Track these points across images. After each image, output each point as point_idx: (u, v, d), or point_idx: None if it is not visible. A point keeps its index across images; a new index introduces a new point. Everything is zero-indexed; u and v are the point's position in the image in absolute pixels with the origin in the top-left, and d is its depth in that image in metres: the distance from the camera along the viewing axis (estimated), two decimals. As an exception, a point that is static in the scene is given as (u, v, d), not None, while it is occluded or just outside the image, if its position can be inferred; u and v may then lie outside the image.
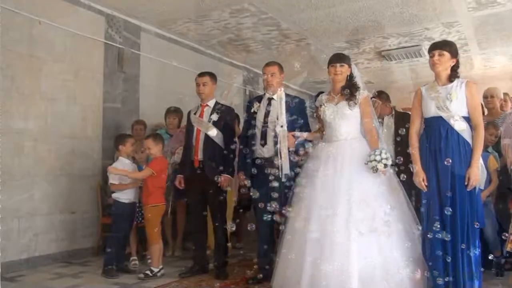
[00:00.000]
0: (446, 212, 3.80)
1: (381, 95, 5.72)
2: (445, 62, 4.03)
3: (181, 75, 7.85)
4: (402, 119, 5.49)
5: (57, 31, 5.99)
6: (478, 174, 3.87)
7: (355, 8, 6.78)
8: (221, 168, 4.97)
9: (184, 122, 6.09)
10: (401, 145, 4.76)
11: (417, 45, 8.56)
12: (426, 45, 8.01)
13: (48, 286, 4.84)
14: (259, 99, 5.03)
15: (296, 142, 4.28)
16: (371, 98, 5.69)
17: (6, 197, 5.12)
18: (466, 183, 3.85)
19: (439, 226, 3.82)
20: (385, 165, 3.87)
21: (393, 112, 5.69)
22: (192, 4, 6.50)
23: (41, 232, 5.75)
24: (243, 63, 9.82)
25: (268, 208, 4.12)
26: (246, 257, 5.98)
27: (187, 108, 5.75)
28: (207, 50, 8.68)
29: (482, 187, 4.19)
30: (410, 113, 6.06)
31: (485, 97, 6.06)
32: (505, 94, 6.88)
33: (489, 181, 4.92)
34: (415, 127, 4.20)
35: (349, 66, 4.34)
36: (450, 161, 3.86)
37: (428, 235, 3.83)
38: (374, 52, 9.17)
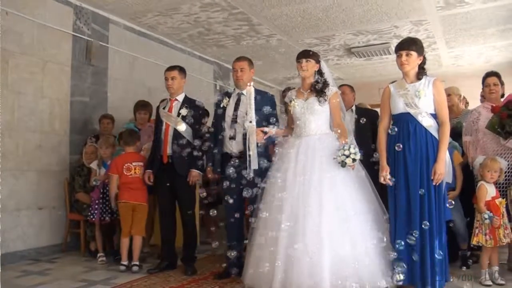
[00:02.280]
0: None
1: (349, 89, 5.77)
2: (413, 61, 4.11)
3: (151, 68, 7.81)
4: (363, 115, 5.43)
5: (24, 22, 5.89)
6: (443, 168, 3.96)
7: (325, 4, 6.83)
8: (190, 163, 4.95)
9: (153, 117, 6.03)
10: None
11: (386, 43, 8.69)
12: (395, 43, 8.08)
13: (15, 284, 4.75)
14: (229, 94, 5.00)
15: (264, 138, 4.28)
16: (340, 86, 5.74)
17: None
18: (432, 178, 3.94)
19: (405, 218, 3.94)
20: (354, 160, 3.94)
21: (354, 108, 5.72)
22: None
23: (8, 229, 5.63)
24: (213, 58, 9.79)
25: (237, 202, 4.13)
26: (216, 253, 5.97)
27: (157, 102, 5.71)
28: (177, 44, 8.63)
29: (449, 181, 4.27)
30: (371, 109, 6.11)
31: None
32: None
33: (454, 175, 4.99)
34: (384, 124, 4.26)
35: (317, 62, 4.36)
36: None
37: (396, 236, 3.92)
38: (344, 49, 9.26)
